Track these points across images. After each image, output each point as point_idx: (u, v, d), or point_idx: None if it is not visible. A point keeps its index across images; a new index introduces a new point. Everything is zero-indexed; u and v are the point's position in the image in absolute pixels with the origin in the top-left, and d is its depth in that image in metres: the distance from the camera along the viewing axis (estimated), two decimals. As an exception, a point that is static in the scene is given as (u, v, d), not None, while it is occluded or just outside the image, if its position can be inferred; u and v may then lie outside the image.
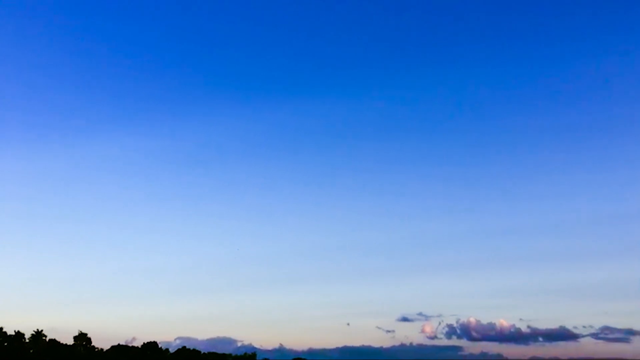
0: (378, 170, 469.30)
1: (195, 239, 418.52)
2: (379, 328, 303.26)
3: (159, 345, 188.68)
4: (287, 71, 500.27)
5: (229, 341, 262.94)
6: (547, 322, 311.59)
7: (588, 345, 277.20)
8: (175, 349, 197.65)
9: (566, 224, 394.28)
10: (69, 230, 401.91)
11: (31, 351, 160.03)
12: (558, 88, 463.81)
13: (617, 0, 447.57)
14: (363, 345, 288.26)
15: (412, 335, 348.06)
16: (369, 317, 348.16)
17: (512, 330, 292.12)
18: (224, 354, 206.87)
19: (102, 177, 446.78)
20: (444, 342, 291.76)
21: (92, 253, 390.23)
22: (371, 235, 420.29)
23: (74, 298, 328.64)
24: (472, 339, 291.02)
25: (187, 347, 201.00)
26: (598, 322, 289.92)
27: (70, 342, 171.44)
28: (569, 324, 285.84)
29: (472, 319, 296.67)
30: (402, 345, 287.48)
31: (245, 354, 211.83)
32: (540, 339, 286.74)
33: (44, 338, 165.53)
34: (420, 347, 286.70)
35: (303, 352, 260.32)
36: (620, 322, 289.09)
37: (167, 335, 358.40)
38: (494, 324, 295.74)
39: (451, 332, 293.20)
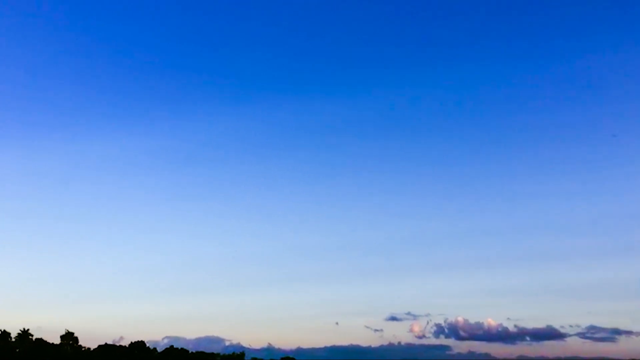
0: (368, 170, 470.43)
1: (183, 238, 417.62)
2: (367, 327, 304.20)
3: (147, 345, 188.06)
4: (286, 70, 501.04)
5: (217, 340, 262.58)
6: (534, 321, 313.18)
7: (575, 344, 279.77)
8: (163, 348, 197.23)
9: (554, 225, 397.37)
10: (56, 230, 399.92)
11: (17, 350, 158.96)
12: (556, 86, 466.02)
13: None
14: (351, 345, 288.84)
15: (400, 334, 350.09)
16: (357, 316, 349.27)
17: (499, 329, 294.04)
18: (212, 354, 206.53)
19: (92, 176, 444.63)
20: (432, 341, 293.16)
21: (79, 252, 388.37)
22: (360, 235, 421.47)
23: (61, 297, 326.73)
24: (459, 338, 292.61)
25: (175, 346, 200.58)
26: (584, 322, 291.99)
27: (57, 341, 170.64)
28: (556, 324, 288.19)
29: (460, 319, 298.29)
30: (391, 345, 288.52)
31: (234, 353, 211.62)
32: (528, 338, 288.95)
33: (30, 337, 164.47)
34: (409, 347, 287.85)
35: (292, 351, 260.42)
36: (606, 322, 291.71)
37: (154, 334, 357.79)
38: (482, 323, 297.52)
39: (439, 331, 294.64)
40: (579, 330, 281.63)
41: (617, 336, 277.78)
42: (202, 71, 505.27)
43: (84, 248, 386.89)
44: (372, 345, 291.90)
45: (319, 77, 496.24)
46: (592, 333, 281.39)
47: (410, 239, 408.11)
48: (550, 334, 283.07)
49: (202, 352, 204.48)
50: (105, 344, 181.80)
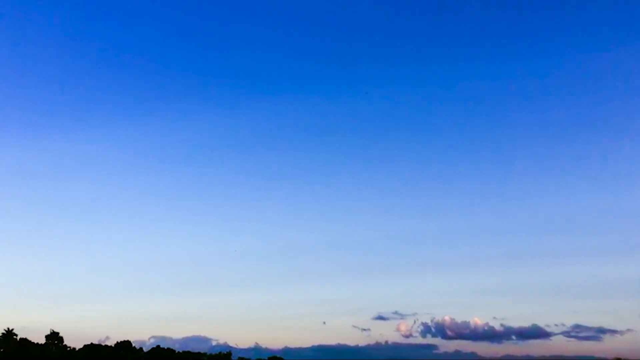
0: (355, 169, 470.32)
1: (170, 237, 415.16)
2: (354, 327, 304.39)
3: (133, 345, 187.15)
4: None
5: (204, 340, 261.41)
6: (520, 320, 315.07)
7: (560, 343, 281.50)
8: (150, 348, 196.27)
9: (539, 225, 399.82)
10: (41, 229, 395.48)
11: (1, 350, 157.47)
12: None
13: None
14: (339, 344, 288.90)
15: (387, 333, 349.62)
16: (344, 315, 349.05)
17: (485, 328, 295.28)
18: (198, 353, 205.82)
19: (77, 175, 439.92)
20: (419, 340, 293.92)
21: (64, 250, 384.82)
22: (347, 235, 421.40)
23: (46, 296, 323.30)
24: (446, 337, 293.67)
25: (162, 346, 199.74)
26: (570, 321, 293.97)
27: (42, 341, 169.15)
28: (542, 323, 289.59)
29: (447, 318, 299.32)
30: (378, 344, 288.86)
31: (220, 352, 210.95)
32: (513, 337, 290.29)
33: (14, 337, 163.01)
34: (396, 346, 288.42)
35: (279, 351, 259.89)
36: (591, 321, 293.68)
37: (141, 334, 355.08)
38: (468, 322, 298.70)
39: (426, 330, 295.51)
40: (564, 329, 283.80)
41: (601, 335, 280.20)
42: (197, 70, 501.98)
43: (69, 247, 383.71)
44: (360, 345, 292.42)
45: (316, 76, 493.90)
46: (577, 332, 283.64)
47: (398, 238, 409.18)
48: (535, 333, 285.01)
49: (189, 352, 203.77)
50: (91, 343, 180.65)
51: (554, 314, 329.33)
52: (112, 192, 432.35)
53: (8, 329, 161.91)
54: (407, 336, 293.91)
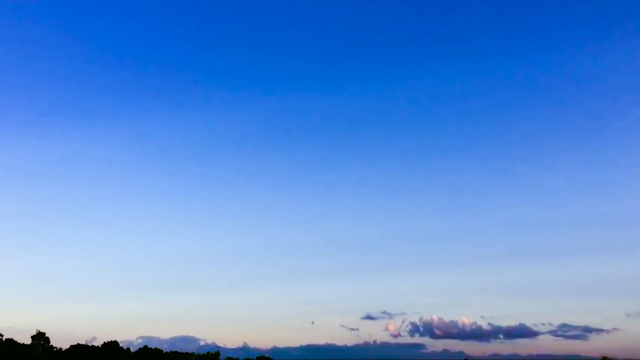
0: (343, 168, 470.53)
1: (157, 237, 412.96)
2: (343, 326, 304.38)
3: (120, 345, 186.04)
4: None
5: (192, 340, 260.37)
6: (507, 319, 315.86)
7: (547, 342, 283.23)
8: (137, 348, 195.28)
9: (526, 225, 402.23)
10: (26, 228, 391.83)
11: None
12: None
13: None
14: (327, 344, 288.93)
15: (375, 333, 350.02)
16: (333, 315, 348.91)
17: (473, 327, 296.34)
18: (186, 353, 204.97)
19: (64, 175, 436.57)
20: (407, 340, 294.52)
21: (50, 250, 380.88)
22: (336, 234, 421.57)
23: (32, 296, 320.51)
24: (434, 336, 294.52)
25: (149, 346, 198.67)
26: (556, 320, 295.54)
27: (28, 341, 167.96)
28: (529, 322, 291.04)
29: (435, 317, 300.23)
30: (366, 344, 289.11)
31: (209, 352, 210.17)
32: (501, 336, 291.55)
33: (0, 338, 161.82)
34: (384, 345, 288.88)
35: (267, 351, 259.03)
36: (577, 320, 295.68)
37: (128, 334, 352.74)
38: (456, 321, 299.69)
39: (414, 330, 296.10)
40: (551, 328, 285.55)
41: (588, 334, 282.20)
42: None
43: (56, 247, 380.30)
44: (348, 344, 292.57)
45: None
46: (563, 331, 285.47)
47: (387, 238, 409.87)
48: (523, 332, 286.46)
49: (177, 352, 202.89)
50: (78, 344, 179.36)
51: (541, 313, 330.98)
52: (98, 191, 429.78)
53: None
54: (395, 336, 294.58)
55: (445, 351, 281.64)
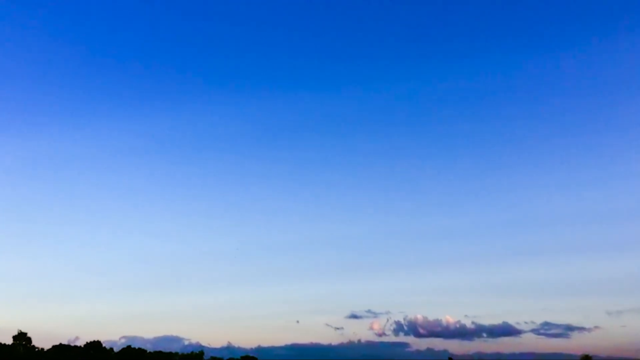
0: (328, 168, 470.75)
1: (141, 235, 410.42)
2: (328, 325, 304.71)
3: (103, 345, 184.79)
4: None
5: (176, 340, 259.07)
6: (491, 318, 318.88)
7: (529, 340, 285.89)
8: (120, 348, 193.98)
9: (509, 224, 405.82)
10: (6, 227, 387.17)
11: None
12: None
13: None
14: (312, 343, 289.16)
15: (360, 332, 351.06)
16: (318, 314, 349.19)
17: (457, 326, 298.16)
18: (170, 353, 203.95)
19: (45, 173, 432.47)
20: (392, 338, 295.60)
21: (32, 249, 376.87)
22: (320, 232, 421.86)
23: (14, 296, 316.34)
24: (418, 335, 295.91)
25: (133, 346, 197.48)
26: (539, 318, 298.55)
27: (10, 341, 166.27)
28: (512, 320, 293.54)
29: (419, 316, 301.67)
30: (351, 343, 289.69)
31: (193, 352, 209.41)
32: (484, 334, 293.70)
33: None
34: (369, 344, 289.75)
35: (252, 350, 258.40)
36: (559, 318, 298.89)
37: (111, 334, 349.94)
38: (440, 320, 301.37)
39: (399, 328, 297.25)
40: (534, 326, 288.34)
41: (569, 332, 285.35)
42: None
43: (37, 246, 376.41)
44: (333, 343, 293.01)
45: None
46: (546, 329, 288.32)
47: (371, 237, 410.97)
48: (506, 330, 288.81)
49: (160, 352, 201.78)
50: (60, 344, 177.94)
51: (524, 311, 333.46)
52: (80, 191, 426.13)
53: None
54: (380, 334, 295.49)
55: (429, 350, 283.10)
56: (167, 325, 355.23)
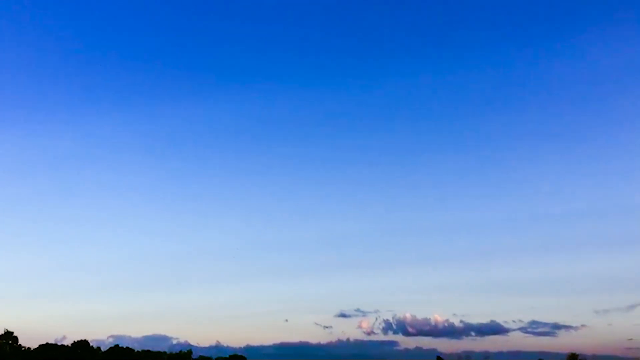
0: (317, 166, 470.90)
1: (128, 234, 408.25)
2: (317, 324, 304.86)
3: (90, 344, 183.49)
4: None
5: (164, 339, 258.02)
6: (479, 317, 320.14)
7: (517, 338, 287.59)
8: (108, 348, 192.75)
9: (497, 224, 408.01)
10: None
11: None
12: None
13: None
14: (301, 342, 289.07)
15: (349, 331, 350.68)
16: (306, 313, 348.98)
17: (446, 325, 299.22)
18: (158, 352, 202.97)
19: (29, 171, 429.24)
20: (381, 337, 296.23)
21: (19, 248, 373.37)
22: (309, 232, 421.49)
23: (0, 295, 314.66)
24: (407, 334, 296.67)
25: (120, 345, 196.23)
26: (527, 317, 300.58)
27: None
28: (500, 319, 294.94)
29: (408, 315, 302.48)
30: (339, 341, 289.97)
31: (181, 351, 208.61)
32: (473, 333, 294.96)
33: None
34: (357, 343, 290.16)
35: (240, 349, 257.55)
36: (547, 317, 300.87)
37: (99, 333, 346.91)
38: (429, 319, 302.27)
39: (387, 327, 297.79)
40: (522, 325, 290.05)
41: (557, 330, 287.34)
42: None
43: (24, 244, 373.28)
44: (321, 342, 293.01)
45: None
46: (533, 328, 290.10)
47: (359, 236, 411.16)
48: (494, 329, 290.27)
49: (149, 351, 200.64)
50: (47, 343, 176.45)
51: (511, 310, 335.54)
52: (68, 189, 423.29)
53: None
54: (368, 333, 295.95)
55: (417, 348, 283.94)
56: (155, 325, 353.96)
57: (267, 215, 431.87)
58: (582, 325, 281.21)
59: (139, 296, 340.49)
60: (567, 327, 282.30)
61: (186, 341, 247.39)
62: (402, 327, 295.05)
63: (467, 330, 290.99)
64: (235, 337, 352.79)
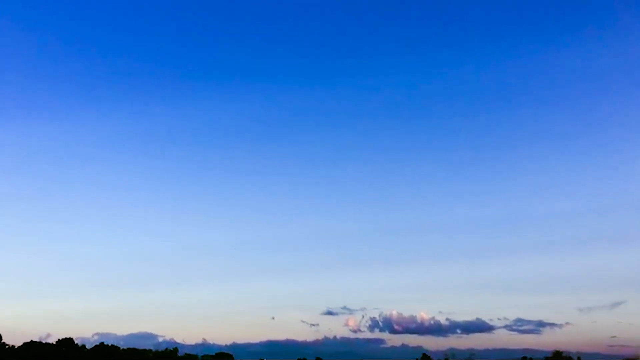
0: (304, 164, 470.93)
1: (114, 231, 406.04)
2: (303, 322, 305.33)
3: (75, 342, 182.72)
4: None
5: (150, 337, 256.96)
6: (464, 314, 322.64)
7: (502, 336, 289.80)
8: (93, 345, 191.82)
9: (482, 223, 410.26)
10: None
11: None
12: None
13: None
14: (287, 340, 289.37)
15: (336, 328, 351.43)
16: (293, 311, 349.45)
17: (432, 322, 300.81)
18: (144, 350, 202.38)
19: (15, 168, 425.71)
20: (367, 335, 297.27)
21: (2, 245, 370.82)
22: (296, 230, 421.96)
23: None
24: (393, 331, 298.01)
25: (106, 343, 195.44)
26: (512, 315, 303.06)
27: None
28: (485, 316, 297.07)
29: (394, 312, 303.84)
30: (326, 339, 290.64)
31: (167, 349, 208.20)
32: (458, 330, 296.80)
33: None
34: (344, 341, 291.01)
35: (227, 347, 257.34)
36: (532, 315, 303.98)
37: (84, 331, 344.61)
38: (415, 317, 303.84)
39: (374, 325, 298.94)
40: (507, 322, 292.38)
41: (541, 328, 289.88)
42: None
43: (8, 242, 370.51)
44: (308, 340, 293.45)
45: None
46: (518, 325, 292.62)
47: (346, 234, 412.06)
48: (479, 327, 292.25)
49: (134, 349, 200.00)
50: (31, 341, 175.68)
51: (497, 308, 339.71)
52: (53, 184, 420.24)
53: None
54: (355, 331, 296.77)
55: (404, 346, 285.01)
56: (141, 322, 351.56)
57: (254, 215, 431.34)
58: (567, 323, 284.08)
59: (125, 294, 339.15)
60: (552, 325, 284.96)
61: (172, 339, 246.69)
62: (388, 325, 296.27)
63: (452, 328, 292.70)
64: (222, 335, 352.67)
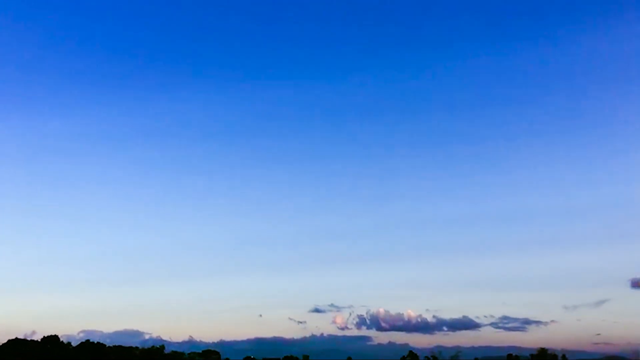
0: (292, 162, 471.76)
1: (100, 229, 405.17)
2: (291, 319, 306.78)
3: (61, 339, 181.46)
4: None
5: (136, 334, 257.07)
6: (451, 312, 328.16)
7: (488, 333, 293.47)
8: (79, 343, 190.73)
9: (468, 220, 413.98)
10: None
11: None
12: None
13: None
14: (275, 337, 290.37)
15: (323, 326, 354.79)
16: (281, 308, 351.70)
17: (418, 320, 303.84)
18: (130, 347, 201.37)
19: (7, 163, 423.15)
20: (354, 332, 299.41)
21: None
22: (283, 228, 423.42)
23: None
24: (380, 329, 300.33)
25: (91, 340, 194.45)
26: (498, 312, 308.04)
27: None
28: (472, 314, 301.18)
29: (381, 310, 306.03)
30: (313, 336, 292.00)
31: (153, 346, 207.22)
32: (445, 328, 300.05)
33: None
34: (331, 338, 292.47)
35: (213, 344, 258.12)
36: (517, 312, 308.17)
37: (70, 328, 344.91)
38: (402, 314, 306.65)
39: (361, 322, 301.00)
40: (493, 320, 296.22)
41: (527, 326, 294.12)
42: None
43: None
44: (295, 337, 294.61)
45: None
46: (504, 323, 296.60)
47: (334, 232, 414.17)
48: (466, 324, 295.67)
49: (120, 346, 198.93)
50: (16, 338, 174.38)
51: (483, 305, 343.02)
52: (41, 182, 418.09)
53: None
54: (342, 328, 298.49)
55: (390, 343, 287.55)
56: (127, 320, 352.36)
57: (242, 212, 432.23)
58: (552, 321, 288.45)
59: (111, 291, 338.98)
60: (537, 323, 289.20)
61: (158, 336, 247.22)
62: (375, 322, 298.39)
63: (439, 325, 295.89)
64: (209, 332, 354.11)
